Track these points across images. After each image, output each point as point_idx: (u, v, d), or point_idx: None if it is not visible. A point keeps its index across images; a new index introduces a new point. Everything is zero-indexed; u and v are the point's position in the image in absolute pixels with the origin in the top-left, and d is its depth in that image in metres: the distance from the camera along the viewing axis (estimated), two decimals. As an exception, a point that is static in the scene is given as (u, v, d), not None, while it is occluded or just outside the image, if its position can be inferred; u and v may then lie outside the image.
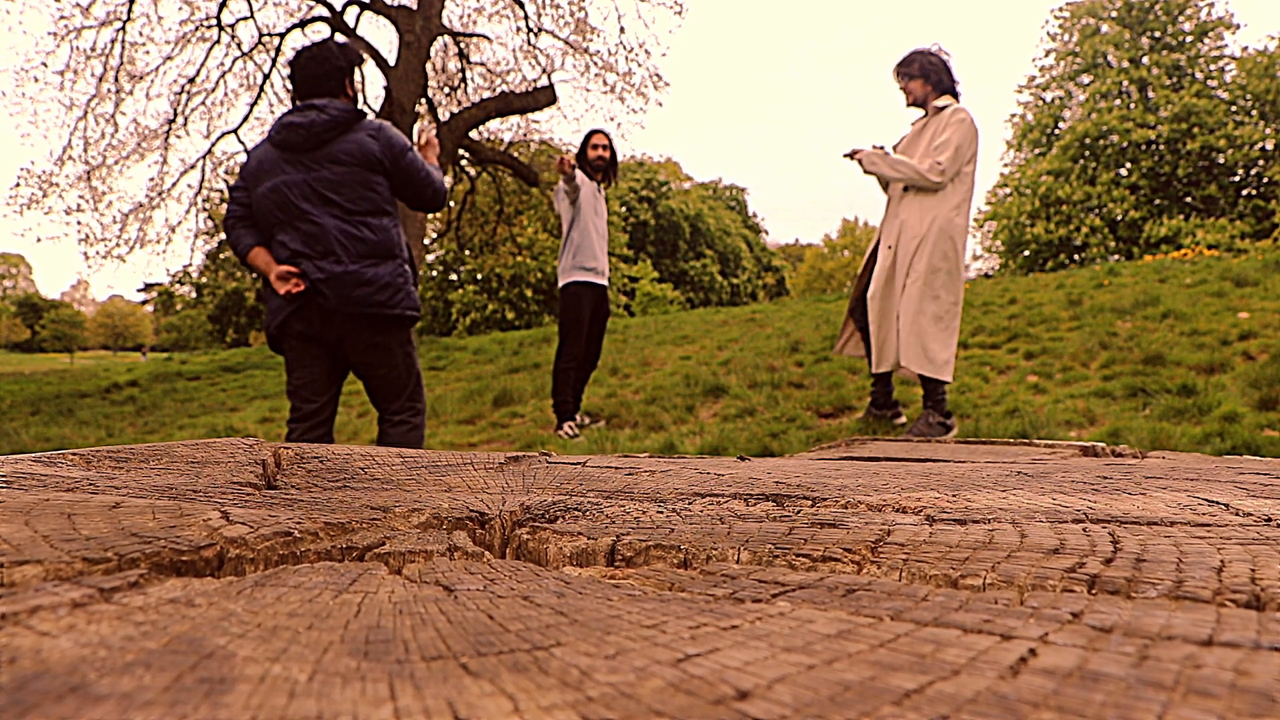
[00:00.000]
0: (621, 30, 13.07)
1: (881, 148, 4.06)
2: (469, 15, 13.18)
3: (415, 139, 3.00)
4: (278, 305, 2.74)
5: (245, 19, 12.30)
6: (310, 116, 2.68)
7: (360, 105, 2.85)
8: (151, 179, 12.90)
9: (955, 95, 4.04)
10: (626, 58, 14.09)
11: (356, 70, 2.83)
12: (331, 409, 2.86)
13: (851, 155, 4.10)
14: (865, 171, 4.04)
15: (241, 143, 13.09)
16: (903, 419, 4.30)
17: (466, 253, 22.15)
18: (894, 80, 4.16)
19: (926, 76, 4.03)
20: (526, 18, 12.87)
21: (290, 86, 2.82)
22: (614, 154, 5.07)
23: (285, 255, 2.69)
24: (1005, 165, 30.31)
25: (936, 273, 3.85)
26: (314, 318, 2.71)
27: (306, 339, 2.76)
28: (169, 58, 12.23)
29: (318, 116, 2.68)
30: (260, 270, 2.74)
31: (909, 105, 4.11)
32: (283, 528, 0.48)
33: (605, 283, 5.09)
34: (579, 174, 4.90)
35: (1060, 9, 29.86)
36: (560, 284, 5.03)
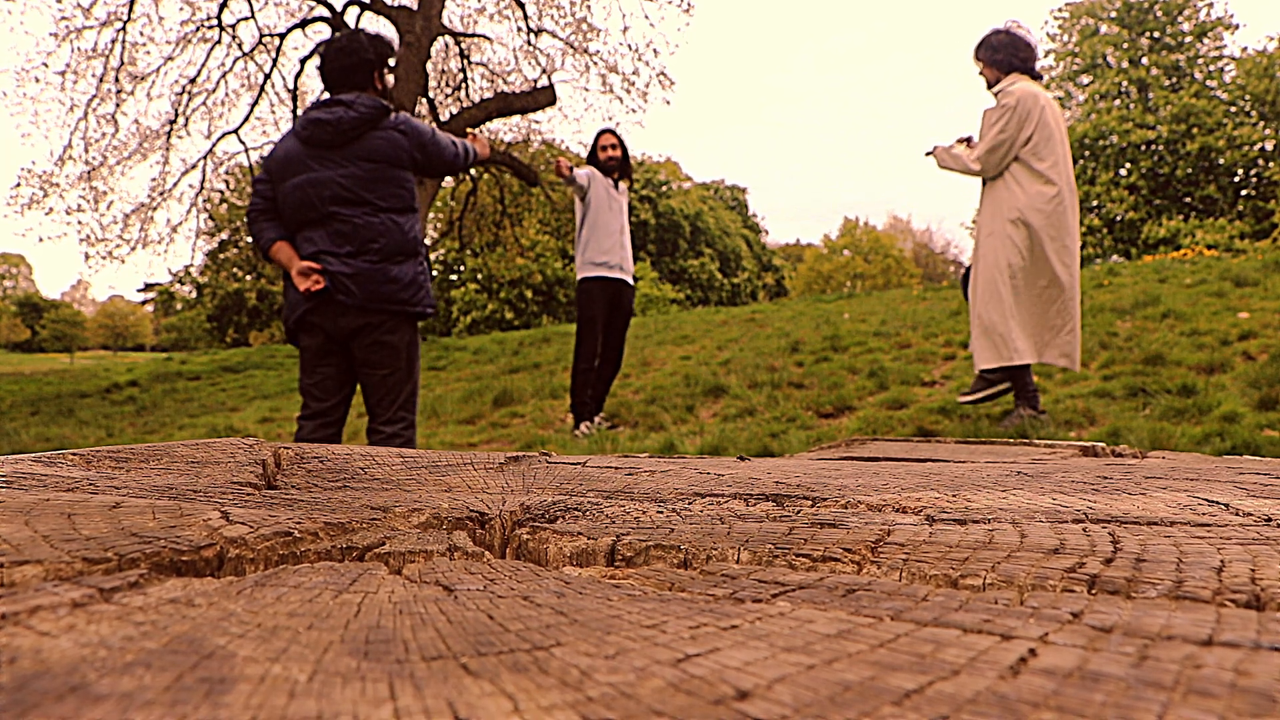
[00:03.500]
0: (625, 30, 13.06)
1: (968, 139, 4.02)
2: (469, 15, 13.19)
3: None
4: (296, 300, 2.71)
5: (246, 19, 12.31)
6: (338, 113, 2.63)
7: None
8: (153, 179, 12.93)
9: (1029, 71, 3.94)
10: (634, 58, 14.10)
11: (388, 62, 2.78)
12: (343, 411, 2.85)
13: (931, 153, 4.12)
14: (940, 167, 4.06)
15: (242, 143, 13.10)
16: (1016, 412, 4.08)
17: (467, 252, 22.16)
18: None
19: (990, 59, 3.97)
20: (526, 18, 12.87)
21: (320, 78, 2.77)
22: (625, 151, 5.04)
23: (310, 251, 2.66)
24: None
25: (1005, 268, 3.82)
26: (331, 313, 2.69)
27: (322, 337, 2.74)
28: (170, 58, 12.25)
29: (345, 113, 2.62)
30: (282, 265, 2.72)
31: (988, 89, 4.05)
32: (283, 528, 0.48)
33: (623, 277, 4.97)
34: (589, 169, 4.91)
35: (1059, 9, 29.83)
36: (577, 280, 5.03)
